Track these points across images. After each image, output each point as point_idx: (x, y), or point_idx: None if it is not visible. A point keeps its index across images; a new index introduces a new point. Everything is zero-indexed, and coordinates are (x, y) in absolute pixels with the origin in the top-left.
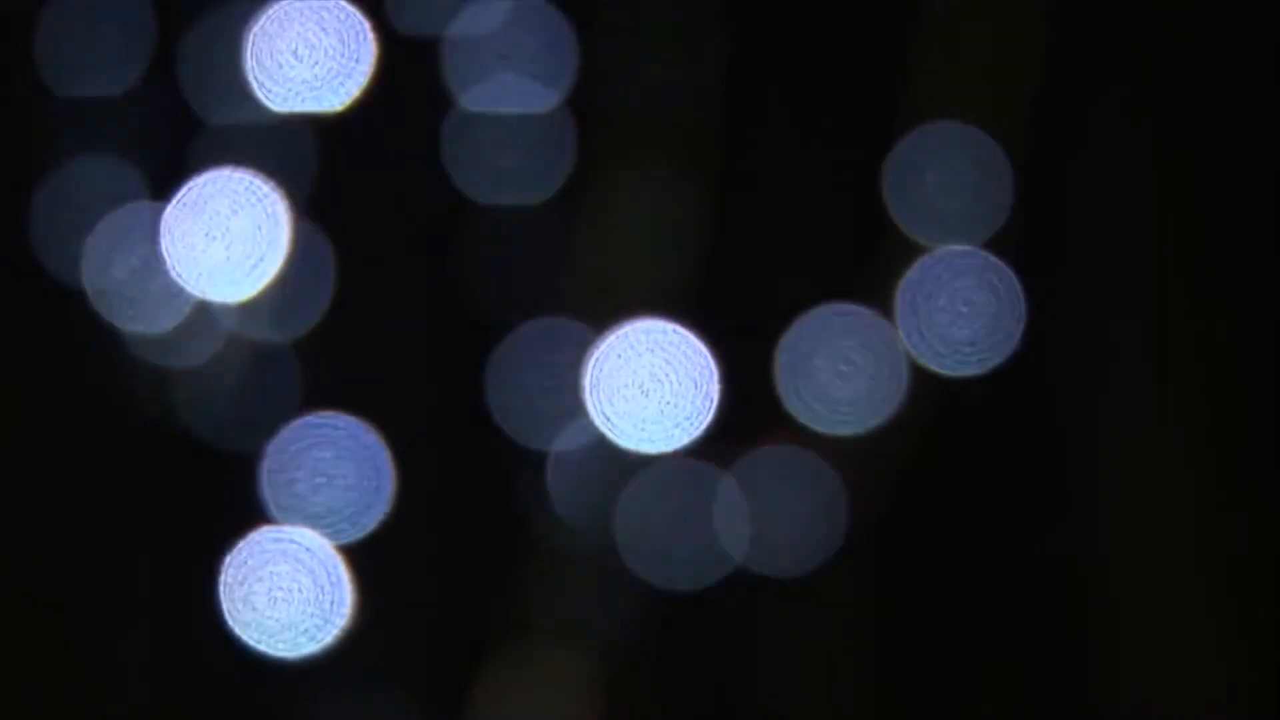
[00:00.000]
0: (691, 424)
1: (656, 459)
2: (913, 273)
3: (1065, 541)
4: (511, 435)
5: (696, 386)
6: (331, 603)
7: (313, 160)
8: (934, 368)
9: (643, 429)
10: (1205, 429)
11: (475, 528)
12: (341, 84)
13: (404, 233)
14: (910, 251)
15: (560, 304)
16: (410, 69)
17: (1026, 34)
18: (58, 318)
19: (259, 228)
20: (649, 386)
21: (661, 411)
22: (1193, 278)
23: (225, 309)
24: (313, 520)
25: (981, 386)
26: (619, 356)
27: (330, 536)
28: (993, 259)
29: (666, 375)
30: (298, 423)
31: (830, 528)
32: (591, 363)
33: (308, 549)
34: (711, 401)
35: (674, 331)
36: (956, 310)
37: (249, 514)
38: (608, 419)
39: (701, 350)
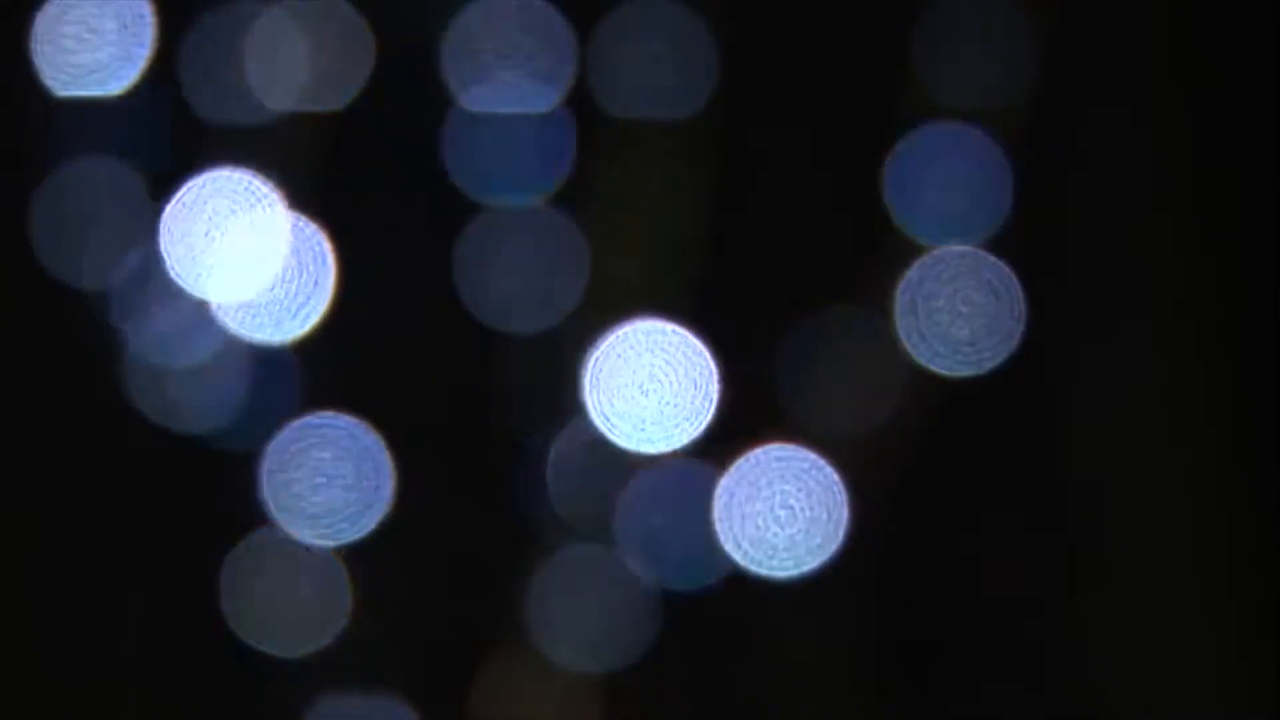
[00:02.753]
0: (691, 424)
1: (656, 459)
2: (913, 273)
3: (1065, 541)
4: (511, 435)
5: (696, 386)
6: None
7: (313, 160)
8: (934, 368)
9: (643, 429)
10: (1205, 429)
11: (475, 528)
12: (340, 84)
13: (404, 233)
14: (910, 251)
15: (560, 304)
16: (410, 69)
17: (1027, 33)
18: (58, 318)
19: (259, 228)
20: (649, 386)
21: (661, 411)
22: (1193, 278)
23: (225, 309)
24: (313, 520)
25: (981, 387)
26: (619, 356)
27: (330, 537)
28: (992, 259)
29: (666, 375)
30: (298, 423)
31: (830, 528)
32: (592, 362)
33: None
34: (711, 401)
35: (674, 331)
36: (956, 310)
37: (249, 514)
38: (607, 419)
39: (701, 350)
